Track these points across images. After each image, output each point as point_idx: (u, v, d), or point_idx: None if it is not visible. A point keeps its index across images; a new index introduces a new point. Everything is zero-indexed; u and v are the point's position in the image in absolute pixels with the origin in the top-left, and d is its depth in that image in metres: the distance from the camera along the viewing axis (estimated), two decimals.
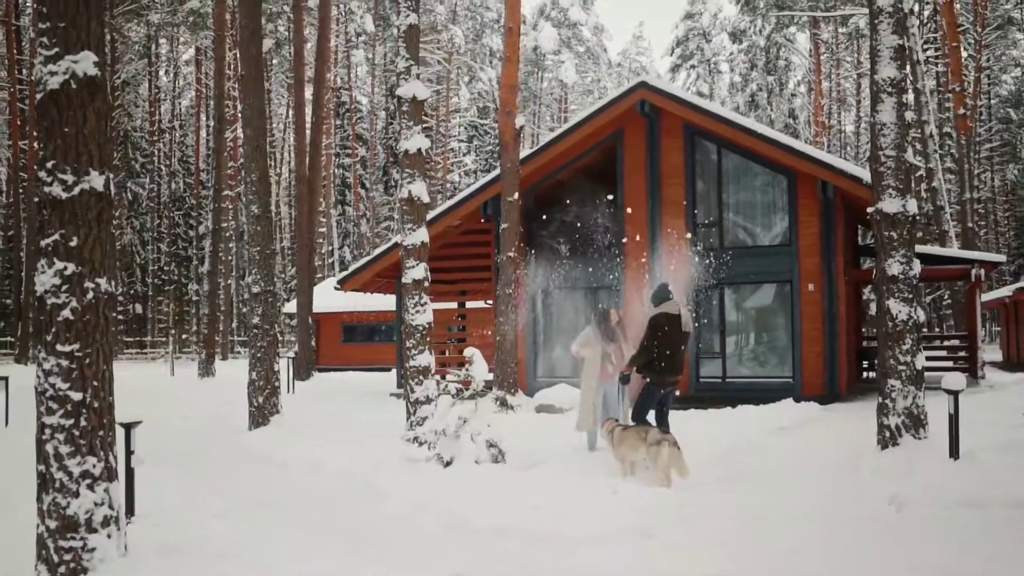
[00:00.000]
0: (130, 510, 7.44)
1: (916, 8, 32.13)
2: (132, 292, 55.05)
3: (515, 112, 17.72)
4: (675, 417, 14.40)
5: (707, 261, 18.16)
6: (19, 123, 38.35)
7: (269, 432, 12.75)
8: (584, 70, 59.94)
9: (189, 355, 49.35)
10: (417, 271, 12.71)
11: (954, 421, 8.92)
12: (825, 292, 17.32)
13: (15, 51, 37.55)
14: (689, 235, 18.20)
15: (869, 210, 10.21)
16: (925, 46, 38.98)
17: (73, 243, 5.45)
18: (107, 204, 5.61)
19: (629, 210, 18.51)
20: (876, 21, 10.06)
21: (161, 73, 56.76)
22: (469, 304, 22.99)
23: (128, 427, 7.50)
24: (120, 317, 50.17)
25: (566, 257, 18.79)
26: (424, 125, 44.33)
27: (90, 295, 5.51)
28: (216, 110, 30.93)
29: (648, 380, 10.03)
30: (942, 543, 6.84)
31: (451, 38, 52.30)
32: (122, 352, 46.87)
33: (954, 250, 24.66)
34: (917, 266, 10.01)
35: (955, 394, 8.90)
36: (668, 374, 10.01)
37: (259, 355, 13.25)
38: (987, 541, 6.83)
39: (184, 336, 51.92)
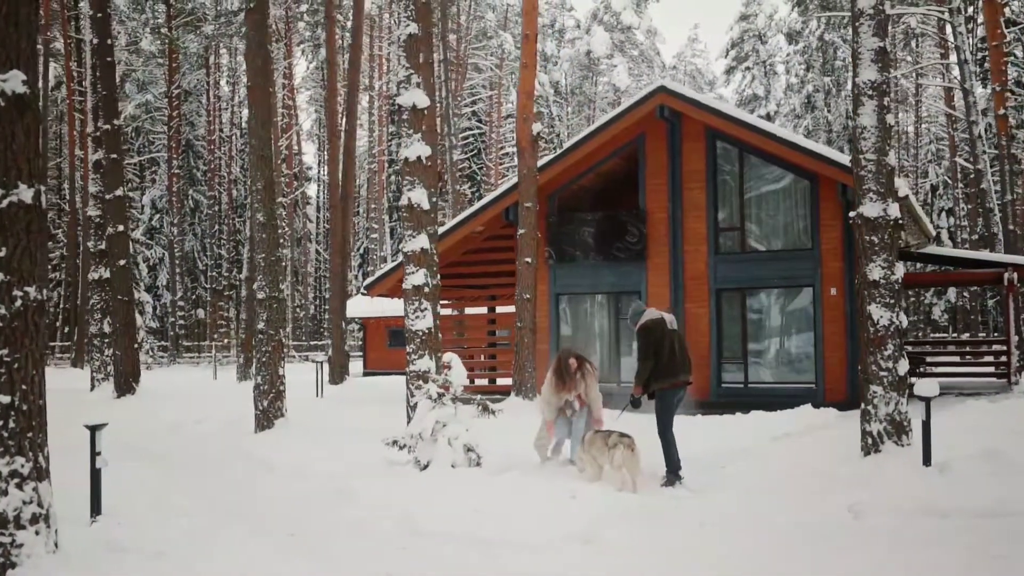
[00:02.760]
0: (96, 509, 7.73)
1: (967, 9, 31.41)
2: (194, 298, 56.31)
3: (532, 118, 17.82)
4: (682, 422, 14.41)
5: (728, 265, 18.06)
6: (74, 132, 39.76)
7: (271, 436, 13.04)
8: (638, 74, 59.71)
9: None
10: (417, 277, 12.92)
11: (927, 428, 8.79)
12: (848, 296, 17.07)
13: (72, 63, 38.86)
14: (710, 239, 18.11)
15: (851, 214, 10.12)
16: (983, 43, 38.04)
17: (2, 253, 5.71)
18: (36, 216, 5.85)
19: (651, 214, 18.46)
20: (857, 23, 9.97)
21: (223, 83, 57.96)
22: (500, 309, 23.08)
23: (93, 429, 7.76)
24: (181, 322, 51.38)
25: (589, 261, 18.83)
26: (478, 131, 44.60)
27: (18, 303, 5.75)
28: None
29: (658, 391, 9.88)
30: (886, 551, 6.78)
31: (501, 44, 52.58)
32: (180, 356, 47.99)
33: (984, 253, 24.06)
34: (900, 270, 9.87)
35: (927, 400, 8.76)
36: (674, 374, 9.86)
37: (264, 360, 13.56)
38: (932, 550, 6.74)
39: (229, 340, 52.95)
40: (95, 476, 7.74)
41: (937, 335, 47.77)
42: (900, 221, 9.91)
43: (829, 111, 54.83)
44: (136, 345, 20.88)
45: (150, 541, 6.90)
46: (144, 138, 55.56)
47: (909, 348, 26.71)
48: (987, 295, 45.37)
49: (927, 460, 8.74)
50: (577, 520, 7.69)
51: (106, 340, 21.35)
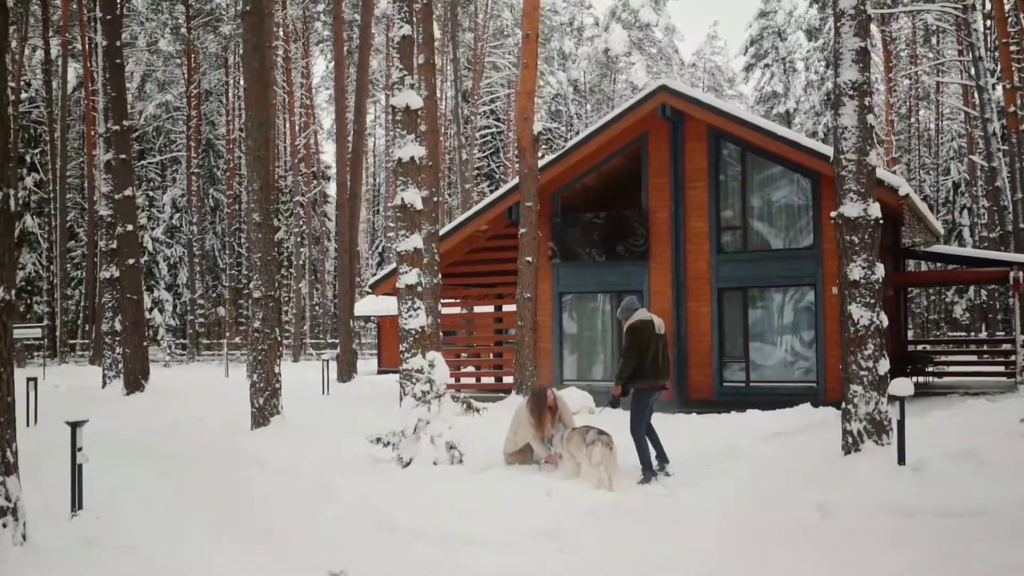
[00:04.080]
0: (78, 504, 7.92)
1: (985, 5, 31.16)
2: (215, 296, 56.74)
3: (533, 118, 17.89)
4: (677, 420, 14.48)
5: (730, 264, 18.08)
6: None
7: (265, 433, 13.21)
8: (656, 71, 59.50)
9: None
10: (410, 276, 12.96)
11: (901, 428, 8.81)
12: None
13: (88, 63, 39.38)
14: (712, 238, 18.14)
15: (832, 214, 10.15)
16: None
17: None
18: (5, 219, 6.02)
19: (653, 213, 18.52)
20: (839, 24, 9.98)
21: (242, 82, 58.28)
22: (507, 307, 23.18)
23: (74, 426, 7.95)
24: (201, 320, 51.81)
25: (592, 260, 18.90)
26: (495, 130, 44.68)
27: None
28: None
29: (635, 390, 10.03)
30: (848, 550, 6.84)
31: (517, 43, 52.54)
32: (199, 354, 48.45)
33: (990, 252, 23.90)
34: (880, 271, 9.89)
35: (901, 400, 8.78)
36: (654, 376, 10.05)
37: (260, 358, 13.72)
38: (893, 549, 6.80)
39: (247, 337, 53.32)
40: (76, 471, 7.93)
41: (957, 334, 47.47)
42: (880, 221, 9.92)
43: None
44: (145, 343, 21.16)
45: (124, 535, 7.07)
46: (165, 137, 56.08)
47: (927, 347, 26.83)
48: (1009, 293, 44.98)
49: (901, 459, 8.77)
50: (549, 517, 7.79)
51: (117, 338, 21.61)
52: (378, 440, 10.26)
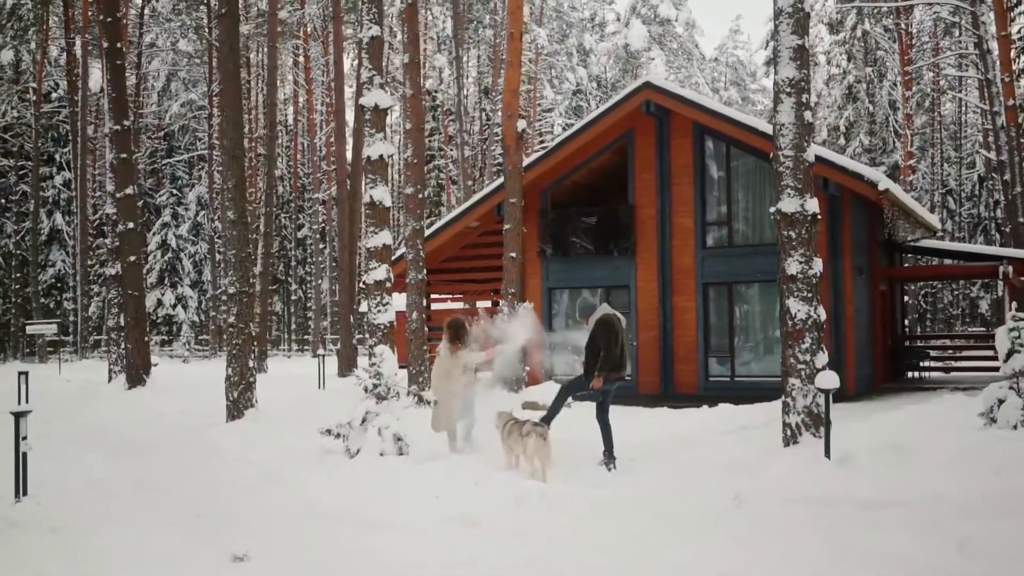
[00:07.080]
0: (23, 490, 8.27)
1: None
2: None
3: (517, 116, 18.11)
4: (646, 414, 14.72)
5: (716, 259, 18.20)
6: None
7: (236, 426, 13.55)
8: (677, 66, 59.39)
9: (284, 352, 51.56)
10: (379, 272, 13.26)
11: (827, 420, 8.96)
12: (831, 291, 17.05)
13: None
14: (698, 233, 18.26)
15: (771, 209, 10.29)
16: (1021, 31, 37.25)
17: None
18: None
19: (640, 209, 18.67)
20: (777, 22, 10.10)
21: (264, 81, 58.93)
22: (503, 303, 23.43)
23: (17, 416, 8.30)
24: (225, 316, 52.50)
25: (580, 256, 19.11)
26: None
27: None
28: (268, 117, 32.51)
29: (584, 374, 10.63)
30: (739, 535, 7.05)
31: (534, 39, 52.75)
32: (221, 349, 49.08)
33: (980, 246, 23.74)
34: (818, 265, 10.03)
35: (827, 393, 8.92)
36: (618, 368, 10.51)
37: (234, 352, 14.09)
38: (784, 536, 6.99)
39: (276, 334, 53.94)
40: (20, 459, 8.27)
41: (978, 329, 47.00)
42: (818, 216, 10.06)
43: (872, 102, 53.98)
44: (147, 339, 21.63)
45: (54, 519, 7.41)
46: (191, 136, 56.84)
47: (949, 341, 26.68)
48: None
49: (827, 452, 8.91)
50: (471, 504, 8.01)
51: (122, 334, 22.11)
52: (328, 431, 10.54)
